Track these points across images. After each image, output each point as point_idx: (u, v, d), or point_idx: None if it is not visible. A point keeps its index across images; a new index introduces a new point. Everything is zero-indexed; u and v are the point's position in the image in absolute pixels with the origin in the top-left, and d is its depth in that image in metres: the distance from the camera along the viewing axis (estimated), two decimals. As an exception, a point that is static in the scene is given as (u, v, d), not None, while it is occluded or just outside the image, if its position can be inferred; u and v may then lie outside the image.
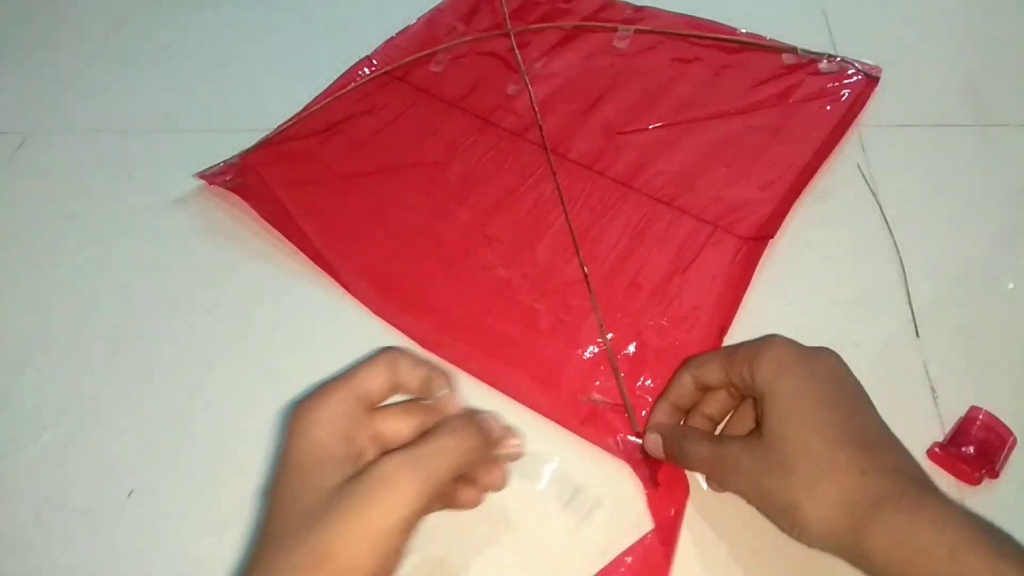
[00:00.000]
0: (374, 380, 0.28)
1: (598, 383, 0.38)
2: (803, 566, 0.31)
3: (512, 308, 0.42)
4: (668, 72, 0.53)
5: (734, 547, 0.33)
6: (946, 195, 0.45)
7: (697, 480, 0.35)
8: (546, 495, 0.35)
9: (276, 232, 0.46)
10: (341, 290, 0.43)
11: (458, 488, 0.30)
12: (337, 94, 0.54)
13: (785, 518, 0.28)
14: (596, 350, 0.39)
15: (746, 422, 0.33)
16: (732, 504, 0.32)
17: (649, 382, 0.38)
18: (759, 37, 0.54)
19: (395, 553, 0.25)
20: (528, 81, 0.53)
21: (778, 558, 0.31)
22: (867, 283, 0.42)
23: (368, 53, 0.57)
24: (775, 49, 0.53)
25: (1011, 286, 0.41)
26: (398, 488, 0.24)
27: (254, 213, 0.47)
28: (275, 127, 0.52)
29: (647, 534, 0.33)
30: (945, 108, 0.50)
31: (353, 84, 0.54)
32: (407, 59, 0.56)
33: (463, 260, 0.44)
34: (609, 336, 0.40)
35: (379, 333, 0.42)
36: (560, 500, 0.35)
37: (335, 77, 0.55)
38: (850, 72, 0.51)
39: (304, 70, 0.56)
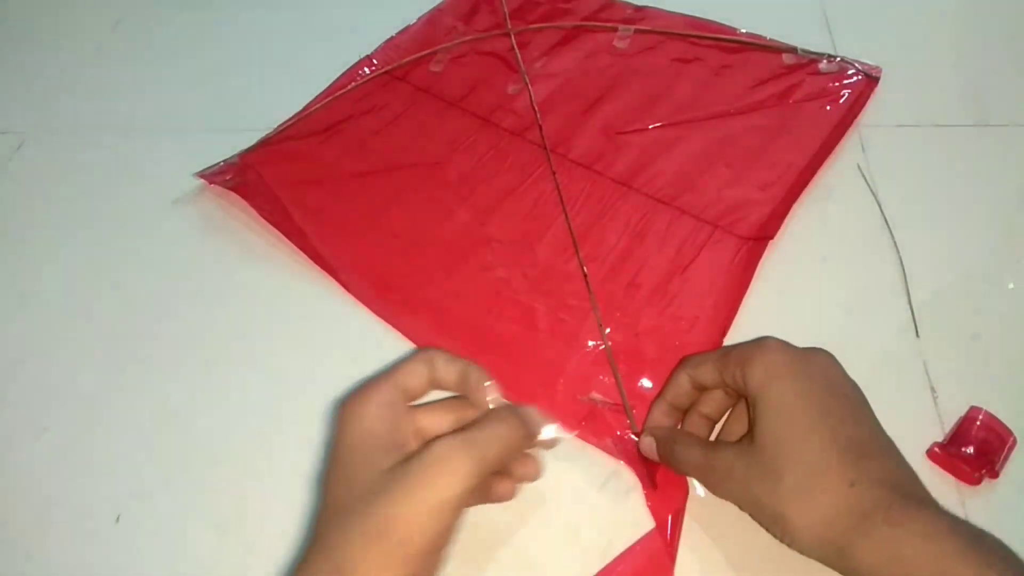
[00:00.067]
0: (414, 376, 0.30)
1: (597, 383, 0.38)
2: (802, 572, 0.31)
3: (512, 308, 0.42)
4: (668, 72, 0.53)
5: (732, 551, 0.33)
6: (946, 195, 0.45)
7: (694, 486, 0.34)
8: (547, 495, 0.35)
9: (276, 232, 0.46)
10: (341, 290, 0.43)
11: (494, 482, 0.32)
12: (337, 94, 0.54)
13: (776, 526, 0.29)
14: (596, 350, 0.39)
15: (743, 422, 0.33)
16: (730, 508, 0.31)
17: (648, 382, 0.38)
18: (759, 37, 0.54)
19: (447, 529, 0.26)
20: (528, 81, 0.53)
21: (777, 562, 0.31)
22: (867, 283, 0.41)
23: (368, 53, 0.57)
24: (775, 49, 0.53)
25: (1011, 286, 0.41)
26: (452, 467, 0.26)
27: (254, 213, 0.47)
28: (275, 127, 0.52)
29: (647, 534, 0.33)
30: (945, 108, 0.50)
31: (353, 84, 0.54)
32: (407, 59, 0.56)
33: (463, 260, 0.44)
34: (608, 333, 0.40)
35: (379, 333, 0.42)
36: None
37: (335, 77, 0.55)
38: (850, 72, 0.51)
39: (304, 70, 0.56)
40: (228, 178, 0.49)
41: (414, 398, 0.30)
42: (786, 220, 0.44)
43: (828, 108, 0.49)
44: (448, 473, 0.26)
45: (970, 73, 0.52)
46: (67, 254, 0.47)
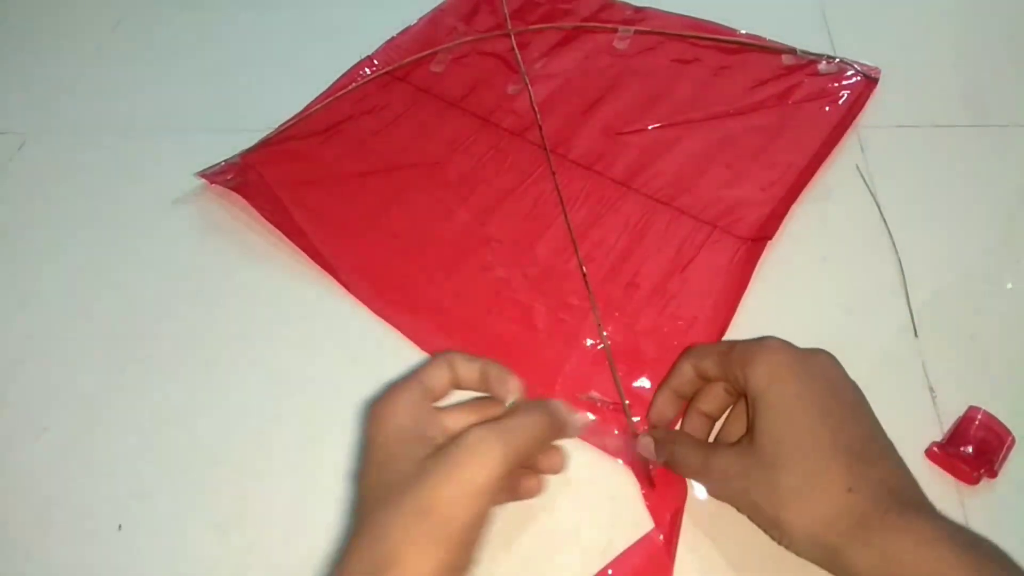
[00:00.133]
0: (436, 376, 0.31)
1: (596, 382, 0.38)
2: (801, 572, 0.31)
3: (511, 307, 0.42)
4: (668, 73, 0.53)
5: (731, 551, 0.33)
6: (946, 195, 0.45)
7: (694, 488, 0.34)
8: (547, 495, 0.35)
9: (276, 232, 0.46)
10: (341, 290, 0.43)
11: (522, 478, 0.33)
12: (338, 94, 0.54)
13: (773, 529, 0.29)
14: (594, 349, 0.39)
15: (743, 421, 0.33)
16: (730, 507, 0.32)
17: (647, 382, 0.38)
18: (759, 38, 0.54)
19: (483, 515, 0.27)
20: (528, 81, 0.53)
21: (776, 562, 0.31)
22: (866, 283, 0.42)
23: (369, 53, 0.57)
24: (774, 50, 0.53)
25: (1010, 286, 0.41)
26: (487, 452, 0.27)
27: (254, 213, 0.47)
28: (275, 127, 0.52)
29: (647, 534, 0.33)
30: (945, 108, 0.50)
31: (354, 84, 0.54)
32: (408, 59, 0.56)
33: (463, 260, 0.44)
34: (606, 334, 0.40)
35: (379, 333, 0.42)
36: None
37: (336, 77, 0.55)
38: (849, 73, 0.51)
39: (304, 70, 0.56)
40: (229, 178, 0.49)
41: (437, 399, 0.31)
42: (785, 220, 0.44)
43: (827, 109, 0.49)
44: (483, 458, 0.27)
45: (970, 73, 0.52)
46: (67, 254, 0.47)
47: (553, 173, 0.47)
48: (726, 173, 0.47)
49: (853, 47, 0.53)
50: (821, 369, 0.30)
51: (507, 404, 0.31)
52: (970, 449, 0.33)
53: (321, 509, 0.35)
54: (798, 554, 0.28)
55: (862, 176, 0.46)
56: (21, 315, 0.45)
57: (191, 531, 0.36)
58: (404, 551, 0.25)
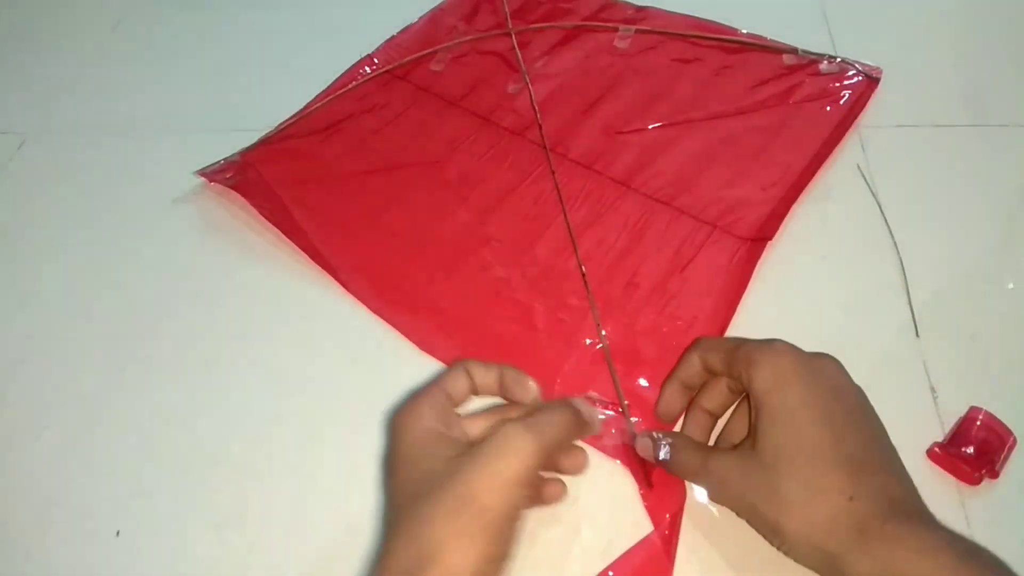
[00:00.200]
0: (456, 383, 0.32)
1: (595, 382, 0.38)
2: (801, 572, 0.31)
3: (510, 307, 0.42)
4: (668, 72, 0.53)
5: (731, 552, 0.33)
6: (946, 195, 0.45)
7: (695, 491, 0.34)
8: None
9: (276, 231, 0.46)
10: (341, 290, 0.43)
11: (545, 485, 0.33)
12: (338, 93, 0.54)
13: (772, 535, 0.29)
14: (593, 349, 0.39)
15: (745, 421, 0.33)
16: (730, 512, 0.31)
17: (646, 382, 0.38)
18: (760, 38, 0.54)
19: (519, 505, 0.27)
20: (528, 80, 0.53)
21: (776, 563, 0.31)
22: (867, 283, 0.41)
23: (369, 52, 0.57)
24: (776, 50, 0.53)
25: (1011, 286, 0.41)
26: (521, 445, 0.27)
27: (254, 212, 0.47)
28: (275, 126, 0.52)
29: (647, 535, 0.33)
30: (945, 108, 0.50)
31: (354, 83, 0.54)
32: (408, 58, 0.56)
33: (462, 259, 0.44)
34: (605, 334, 0.40)
35: (379, 333, 0.42)
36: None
37: (335, 76, 0.55)
38: (850, 73, 0.51)
39: (304, 70, 0.56)
40: (228, 176, 0.49)
41: (457, 405, 0.32)
42: (786, 220, 0.44)
43: (828, 109, 0.49)
44: (518, 450, 0.27)
45: (970, 73, 0.52)
46: (67, 254, 0.47)
47: (553, 172, 0.47)
48: (726, 173, 0.47)
49: (854, 47, 0.53)
50: (826, 375, 0.30)
51: (527, 404, 0.32)
52: (971, 449, 0.33)
53: (321, 509, 0.35)
54: (797, 560, 0.28)
55: (863, 176, 0.46)
56: (21, 315, 0.45)
57: (191, 531, 0.36)
58: (447, 543, 0.25)
